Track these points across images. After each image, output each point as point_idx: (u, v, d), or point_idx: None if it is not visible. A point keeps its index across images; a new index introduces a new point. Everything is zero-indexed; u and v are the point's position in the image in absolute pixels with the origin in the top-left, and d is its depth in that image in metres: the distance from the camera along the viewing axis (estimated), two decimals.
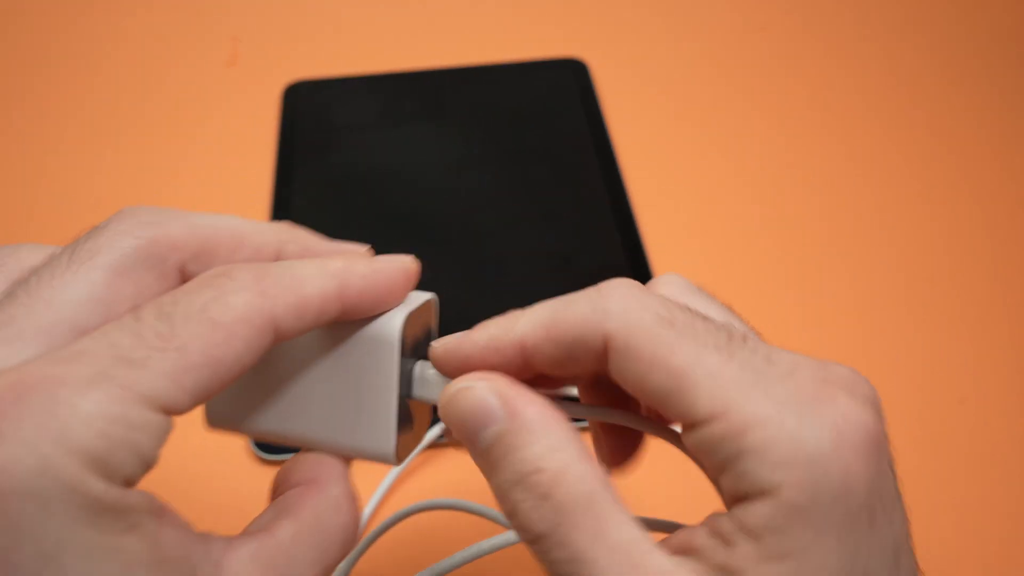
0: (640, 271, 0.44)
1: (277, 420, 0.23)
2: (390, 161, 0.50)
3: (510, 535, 0.25)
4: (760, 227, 0.47)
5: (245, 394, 0.23)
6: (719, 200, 0.49)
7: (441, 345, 0.23)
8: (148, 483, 0.39)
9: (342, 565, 0.33)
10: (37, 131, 0.54)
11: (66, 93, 0.56)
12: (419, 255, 0.46)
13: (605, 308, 0.20)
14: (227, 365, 0.18)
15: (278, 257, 0.22)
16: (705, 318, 0.20)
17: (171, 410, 0.18)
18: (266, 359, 0.21)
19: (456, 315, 0.43)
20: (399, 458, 0.23)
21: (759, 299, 0.44)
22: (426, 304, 0.25)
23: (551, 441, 0.20)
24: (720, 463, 0.19)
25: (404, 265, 0.22)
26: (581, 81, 0.55)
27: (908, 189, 0.49)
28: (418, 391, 0.23)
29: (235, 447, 0.39)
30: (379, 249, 0.49)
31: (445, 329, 0.44)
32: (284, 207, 0.48)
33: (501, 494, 0.20)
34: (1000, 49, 0.57)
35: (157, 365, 0.18)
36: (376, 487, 0.37)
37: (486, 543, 0.25)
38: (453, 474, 0.38)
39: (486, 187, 0.49)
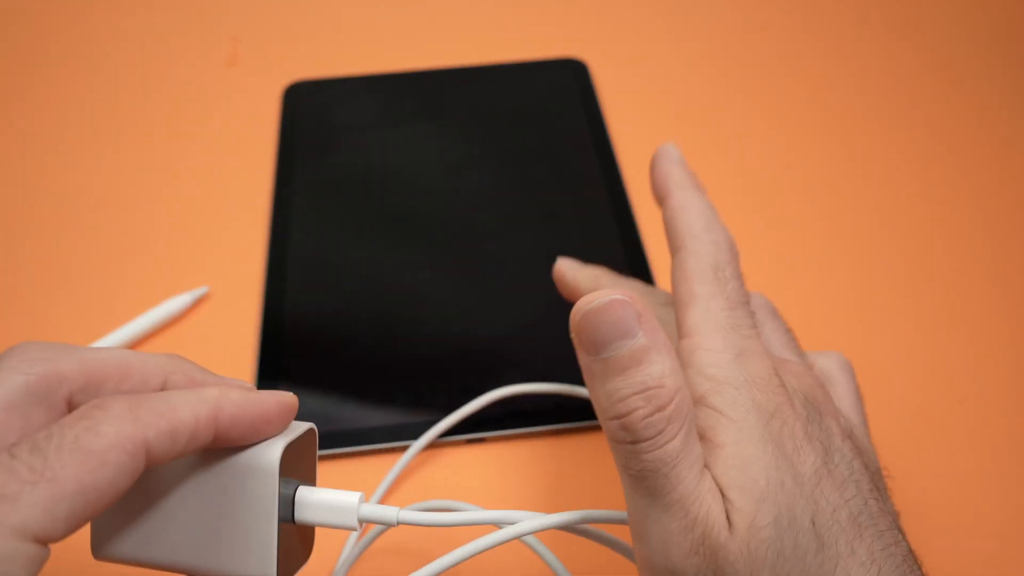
0: (640, 271, 0.44)
1: (161, 549, 0.24)
2: (390, 161, 0.51)
3: (504, 533, 0.25)
4: (760, 227, 0.47)
5: (129, 525, 0.24)
6: (719, 200, 0.49)
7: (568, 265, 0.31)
8: None
9: (340, 565, 0.33)
10: (37, 131, 0.54)
11: (66, 93, 0.56)
12: (419, 255, 0.46)
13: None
14: (100, 490, 0.20)
15: (164, 387, 0.24)
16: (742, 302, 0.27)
17: (45, 539, 0.19)
18: (147, 488, 0.22)
19: (456, 315, 0.43)
20: None
21: None
22: (307, 433, 0.25)
23: (672, 364, 0.24)
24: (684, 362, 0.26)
25: (280, 397, 0.24)
26: (581, 81, 0.55)
27: (908, 189, 0.49)
28: (300, 515, 0.25)
29: None
30: (380, 250, 0.49)
31: (446, 328, 0.44)
32: (284, 207, 0.48)
33: (617, 398, 0.23)
34: (1000, 49, 0.57)
35: (29, 498, 0.19)
36: (378, 484, 0.37)
37: (481, 541, 0.26)
38: (452, 472, 0.38)
39: (486, 187, 0.49)
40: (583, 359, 0.24)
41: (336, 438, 0.38)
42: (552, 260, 0.43)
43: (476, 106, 0.54)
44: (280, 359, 0.41)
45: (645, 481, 0.23)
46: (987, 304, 0.44)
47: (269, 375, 0.41)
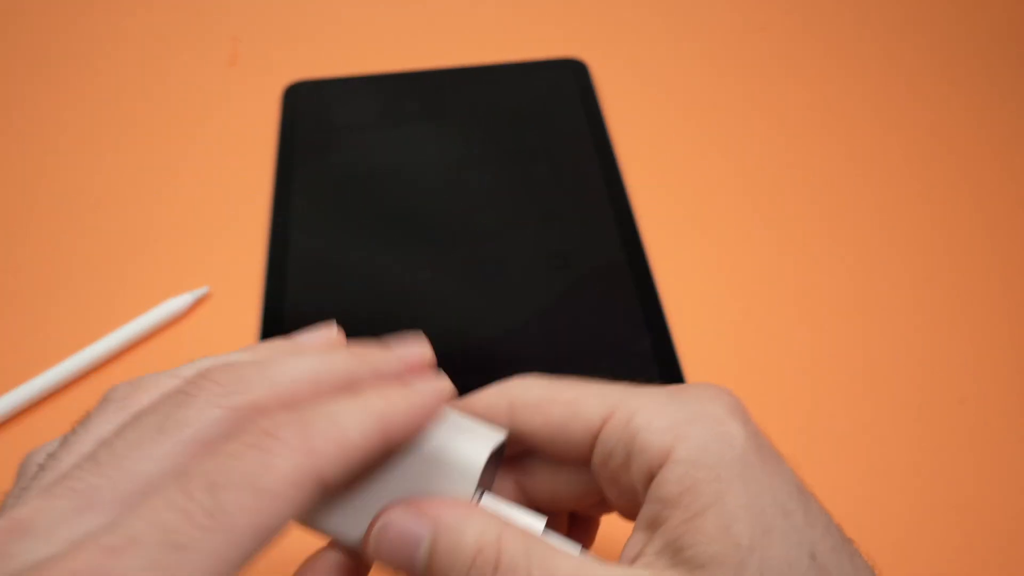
0: (639, 270, 0.44)
1: (340, 522, 0.23)
2: (390, 161, 0.51)
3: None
4: (760, 227, 0.47)
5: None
6: (719, 200, 0.49)
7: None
8: None
9: None
10: (37, 131, 0.54)
11: (66, 93, 0.56)
12: (419, 255, 0.46)
13: (507, 387, 0.25)
14: (272, 530, 0.20)
15: (353, 386, 0.23)
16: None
17: None
18: None
19: (456, 315, 0.43)
20: None
21: (758, 299, 0.44)
22: (502, 444, 0.25)
23: (477, 526, 0.22)
24: (624, 457, 0.23)
25: (440, 391, 0.23)
26: (581, 81, 0.55)
27: (908, 189, 0.49)
28: None
29: None
30: (380, 250, 0.49)
31: (446, 328, 0.44)
32: (284, 207, 0.48)
33: None
34: (1000, 49, 0.57)
35: (204, 547, 0.18)
36: None
37: None
38: None
39: (486, 187, 0.49)
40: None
41: None
42: (552, 260, 0.44)
43: (476, 106, 0.54)
44: None
45: None
46: (987, 304, 0.44)
47: None
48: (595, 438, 0.23)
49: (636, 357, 0.41)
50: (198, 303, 0.44)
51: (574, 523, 0.28)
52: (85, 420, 0.22)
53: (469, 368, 0.41)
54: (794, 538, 0.21)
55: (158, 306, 0.43)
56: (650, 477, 0.22)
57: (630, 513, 0.24)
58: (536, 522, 0.23)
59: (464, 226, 0.47)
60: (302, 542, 0.26)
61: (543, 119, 0.53)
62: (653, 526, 0.22)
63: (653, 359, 0.41)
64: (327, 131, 0.53)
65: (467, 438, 0.24)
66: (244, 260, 0.46)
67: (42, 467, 0.21)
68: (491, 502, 0.24)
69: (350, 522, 0.23)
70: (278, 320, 0.43)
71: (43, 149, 0.53)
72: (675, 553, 0.21)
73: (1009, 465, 0.38)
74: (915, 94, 0.55)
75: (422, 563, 0.22)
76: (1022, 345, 0.42)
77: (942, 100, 0.54)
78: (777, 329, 0.43)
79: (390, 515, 0.22)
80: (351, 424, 0.21)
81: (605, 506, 0.26)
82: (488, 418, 0.25)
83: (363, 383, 0.23)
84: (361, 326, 0.43)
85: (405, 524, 0.22)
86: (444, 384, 0.24)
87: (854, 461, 0.38)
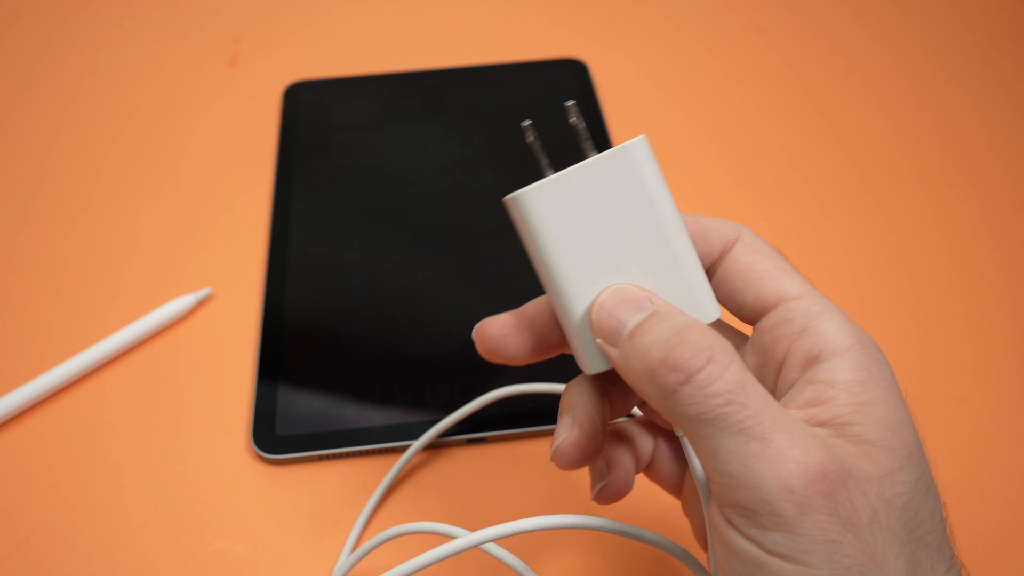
0: None
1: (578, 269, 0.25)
2: (390, 161, 0.51)
3: (465, 540, 0.26)
4: (760, 226, 0.47)
5: None
6: (719, 200, 0.49)
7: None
8: (149, 480, 0.39)
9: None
10: (37, 131, 0.54)
11: (66, 93, 0.56)
12: (419, 255, 0.46)
13: (737, 225, 0.27)
14: None
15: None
16: None
17: None
18: None
19: (456, 315, 0.43)
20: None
21: None
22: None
23: (694, 319, 0.23)
24: (801, 327, 0.24)
25: None
26: (581, 81, 0.55)
27: (909, 188, 0.49)
28: None
29: (235, 447, 0.39)
30: (380, 250, 0.49)
31: (446, 328, 0.44)
32: (284, 207, 0.48)
33: (653, 348, 0.22)
34: (1000, 49, 0.57)
35: None
36: (377, 484, 0.37)
37: (440, 549, 0.26)
38: (452, 472, 0.38)
39: (486, 187, 0.49)
40: (613, 353, 0.24)
41: (336, 438, 0.38)
42: None
43: (476, 106, 0.54)
44: (280, 359, 0.41)
45: (727, 418, 0.21)
46: (987, 304, 0.44)
47: (269, 375, 0.41)
48: (781, 302, 0.25)
49: None
50: (200, 304, 0.44)
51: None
52: None
53: (469, 368, 0.41)
54: (932, 476, 0.23)
55: (161, 307, 0.43)
56: (814, 359, 0.24)
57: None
58: None
59: (464, 226, 0.47)
60: None
61: (543, 119, 0.53)
62: (812, 403, 0.23)
63: None
64: (327, 131, 0.53)
65: (702, 288, 0.25)
66: (244, 260, 0.46)
67: None
68: None
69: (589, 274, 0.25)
70: (278, 320, 0.43)
71: (43, 149, 0.53)
72: (840, 427, 0.22)
73: (1009, 465, 0.38)
74: (915, 93, 0.55)
75: (638, 320, 0.23)
76: (1022, 345, 0.42)
77: (942, 99, 0.54)
78: None
79: (619, 285, 0.25)
80: None
81: None
82: (705, 246, 0.27)
83: None
84: (361, 326, 0.43)
85: (638, 295, 0.24)
86: None
87: None
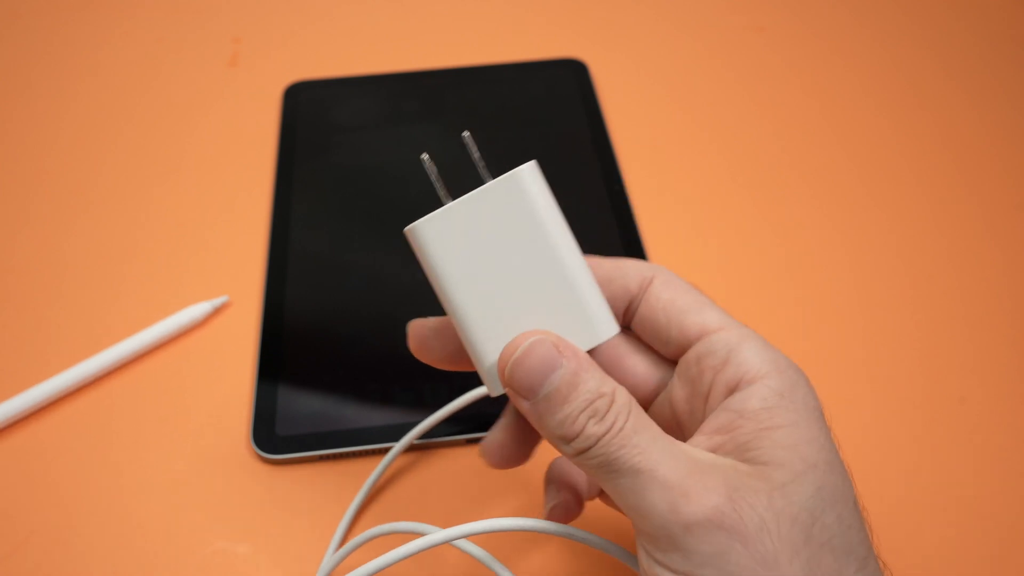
0: None
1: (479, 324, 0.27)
2: (390, 161, 0.51)
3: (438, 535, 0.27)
4: (759, 226, 0.47)
5: None
6: (718, 200, 0.49)
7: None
8: (149, 480, 0.39)
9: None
10: (37, 131, 0.54)
11: (66, 93, 0.56)
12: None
13: (653, 264, 0.28)
14: None
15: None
16: None
17: None
18: None
19: None
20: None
21: (758, 298, 0.44)
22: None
23: (599, 372, 0.25)
24: (723, 358, 0.26)
25: None
26: (581, 81, 0.55)
27: (909, 188, 0.49)
28: None
29: (235, 447, 0.39)
30: (380, 250, 0.49)
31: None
32: (284, 207, 0.48)
33: (570, 423, 0.24)
34: (1000, 49, 0.57)
35: None
36: (358, 491, 0.37)
37: (408, 546, 0.27)
38: (452, 472, 0.38)
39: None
40: (524, 406, 0.25)
41: (336, 438, 0.38)
42: None
43: (476, 106, 0.54)
44: (280, 359, 0.41)
45: (620, 461, 0.24)
46: (987, 304, 0.44)
47: (269, 375, 0.41)
48: (704, 335, 0.27)
49: None
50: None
51: None
52: None
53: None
54: (846, 484, 0.24)
55: (177, 313, 0.43)
56: (734, 387, 0.25)
57: (677, 423, 0.28)
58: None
59: None
60: None
61: (543, 119, 0.53)
62: (722, 431, 0.25)
63: None
64: (327, 131, 0.53)
65: (599, 306, 0.26)
66: (244, 260, 0.46)
67: None
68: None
69: (491, 329, 0.26)
70: (278, 320, 0.43)
71: (43, 149, 0.53)
72: (741, 452, 0.24)
73: (1009, 465, 0.38)
74: (915, 94, 0.55)
75: (550, 387, 0.24)
76: (1022, 345, 0.42)
77: (942, 99, 0.54)
78: (777, 328, 0.43)
79: (535, 336, 0.25)
80: None
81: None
82: (623, 284, 0.28)
83: None
84: (361, 326, 0.43)
85: (551, 350, 0.25)
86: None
87: (854, 460, 0.37)
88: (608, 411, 0.24)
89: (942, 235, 0.47)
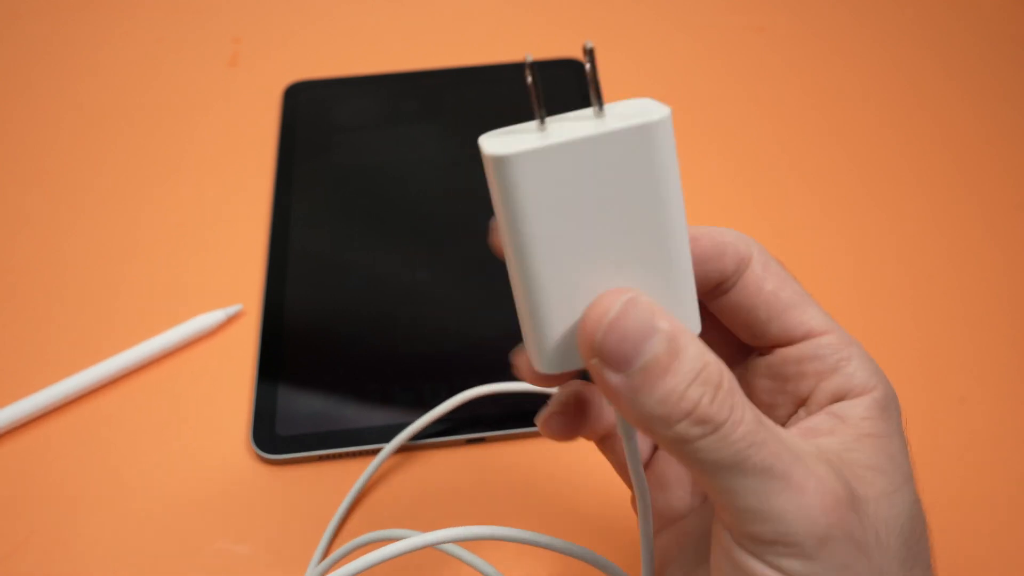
0: None
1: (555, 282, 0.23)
2: (390, 161, 0.51)
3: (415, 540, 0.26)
4: (761, 226, 0.47)
5: None
6: (718, 199, 0.49)
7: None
8: (149, 480, 0.39)
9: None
10: (37, 131, 0.54)
11: (66, 93, 0.56)
12: (419, 255, 0.46)
13: (752, 239, 0.26)
14: None
15: None
16: None
17: None
18: None
19: (456, 315, 0.43)
20: None
21: None
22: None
23: (698, 339, 0.21)
24: (831, 366, 0.25)
25: None
26: (581, 81, 0.55)
27: (909, 188, 0.49)
28: None
29: (235, 447, 0.39)
30: (380, 250, 0.49)
31: (446, 328, 0.44)
32: (284, 207, 0.48)
33: (676, 398, 0.20)
34: (1000, 49, 0.57)
35: None
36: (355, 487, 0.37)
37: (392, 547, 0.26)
38: (452, 472, 0.38)
39: (486, 187, 0.49)
40: (614, 381, 0.21)
41: (337, 438, 0.38)
42: None
43: (476, 106, 0.54)
44: (280, 359, 0.41)
45: (749, 460, 0.21)
46: (987, 304, 0.44)
47: (269, 375, 0.41)
48: (809, 337, 0.25)
49: None
50: (198, 302, 0.44)
51: None
52: None
53: (469, 368, 0.41)
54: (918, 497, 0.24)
55: (190, 320, 0.43)
56: (840, 398, 0.25)
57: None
58: None
59: (464, 226, 0.47)
60: None
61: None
62: (818, 433, 0.24)
63: None
64: (327, 131, 0.53)
65: (690, 299, 0.23)
66: (244, 260, 0.46)
67: None
68: None
69: (565, 294, 0.21)
70: (278, 320, 0.43)
71: (42, 149, 0.53)
72: (840, 454, 0.23)
73: (1009, 465, 0.38)
74: (916, 93, 0.55)
75: (650, 353, 0.20)
76: (1022, 345, 0.42)
77: (943, 99, 0.54)
78: None
79: (628, 294, 0.21)
80: None
81: None
82: (719, 266, 0.25)
83: None
84: (361, 326, 0.43)
85: (646, 313, 0.21)
86: None
87: None
88: (720, 385, 0.21)
89: (942, 235, 0.47)
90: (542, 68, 0.56)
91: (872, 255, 0.46)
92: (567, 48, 0.58)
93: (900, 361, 0.41)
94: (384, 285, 0.44)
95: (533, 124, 0.22)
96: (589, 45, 0.21)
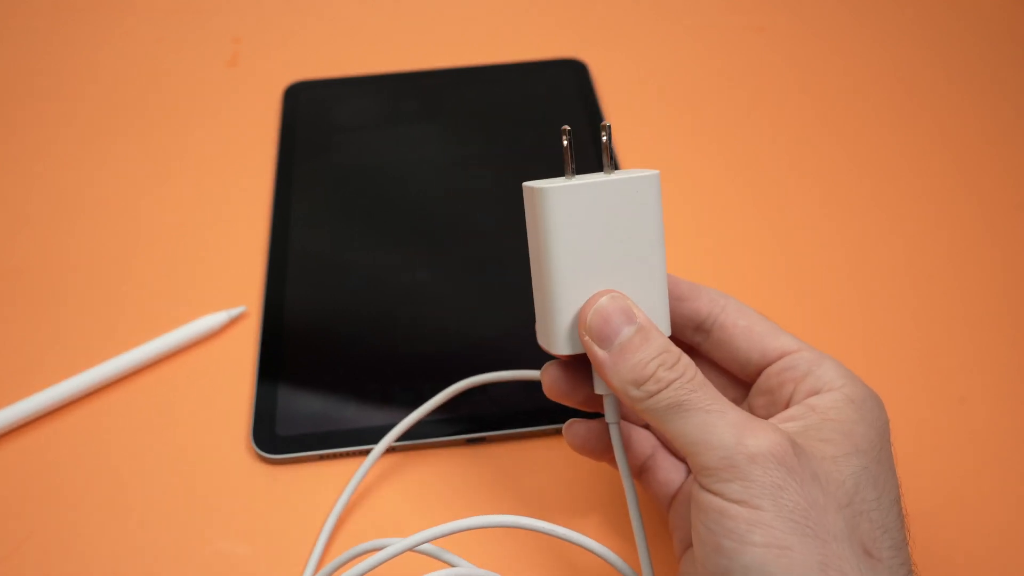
0: None
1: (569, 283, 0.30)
2: (390, 161, 0.51)
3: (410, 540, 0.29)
4: (761, 227, 0.47)
5: None
6: (718, 200, 0.49)
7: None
8: (149, 480, 0.39)
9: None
10: (37, 131, 0.54)
11: (66, 93, 0.56)
12: (419, 255, 0.46)
13: (725, 294, 0.33)
14: None
15: None
16: None
17: None
18: None
19: (456, 315, 0.43)
20: None
21: (759, 298, 0.44)
22: None
23: (665, 337, 0.28)
24: (804, 371, 0.30)
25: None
26: (581, 81, 0.55)
27: (908, 188, 0.49)
28: None
29: (235, 447, 0.39)
30: (380, 250, 0.49)
31: (446, 328, 0.44)
32: (284, 207, 0.48)
33: (641, 367, 0.27)
34: (1000, 49, 0.57)
35: None
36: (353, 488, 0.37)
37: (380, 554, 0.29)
38: (452, 472, 0.38)
39: (486, 187, 0.49)
40: (599, 355, 0.28)
41: (337, 438, 0.38)
42: None
43: (476, 106, 0.54)
44: (280, 359, 0.41)
45: (692, 400, 0.26)
46: (987, 304, 0.44)
47: (269, 375, 0.41)
48: (785, 355, 0.31)
49: None
50: (198, 301, 0.44)
51: None
52: None
53: (469, 368, 0.40)
54: (891, 482, 0.28)
55: (193, 322, 0.42)
56: (814, 393, 0.29)
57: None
58: None
59: (464, 226, 0.47)
60: None
61: (543, 119, 0.53)
62: (791, 420, 0.29)
63: None
64: (327, 131, 0.53)
65: (664, 309, 0.30)
66: (244, 260, 0.46)
67: None
68: None
69: (577, 292, 0.29)
70: (278, 320, 0.43)
71: (43, 149, 0.53)
72: (803, 432, 0.28)
73: (1009, 465, 0.38)
74: (915, 94, 0.55)
75: (624, 337, 0.28)
76: (1022, 345, 0.42)
77: (943, 99, 0.54)
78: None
79: (610, 293, 0.29)
80: None
81: None
82: (694, 306, 0.32)
83: None
84: (361, 326, 0.43)
85: (628, 307, 0.28)
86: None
87: None
88: (676, 363, 0.27)
89: (942, 235, 0.47)
90: (542, 68, 0.56)
91: (872, 255, 0.46)
92: (567, 48, 0.58)
93: (900, 361, 0.41)
94: (384, 285, 0.44)
95: (563, 177, 0.30)
96: (607, 124, 0.31)
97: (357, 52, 0.58)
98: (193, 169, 0.51)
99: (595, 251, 0.29)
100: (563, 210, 0.28)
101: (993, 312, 0.43)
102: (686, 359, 0.28)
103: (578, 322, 0.29)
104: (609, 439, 0.31)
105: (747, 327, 0.31)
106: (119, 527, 0.37)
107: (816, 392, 0.29)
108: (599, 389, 0.30)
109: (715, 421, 0.26)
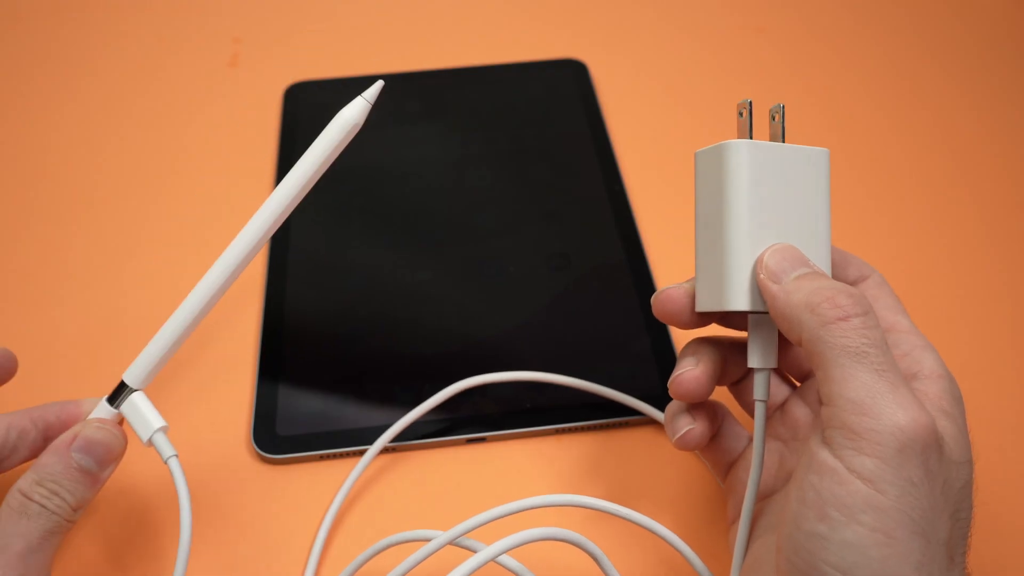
0: (639, 271, 0.44)
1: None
2: (390, 161, 0.51)
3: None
4: None
5: None
6: None
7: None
8: (152, 482, 0.39)
9: None
10: (38, 131, 0.54)
11: (67, 93, 0.57)
12: (419, 255, 0.46)
13: (872, 267, 0.33)
14: None
15: None
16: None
17: None
18: None
19: (456, 315, 0.43)
20: None
21: None
22: None
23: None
24: (905, 352, 0.30)
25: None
26: (581, 81, 0.55)
27: (909, 188, 0.49)
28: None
29: (235, 446, 0.39)
30: (380, 250, 0.49)
31: (446, 328, 0.44)
32: None
33: (816, 294, 0.27)
34: (1000, 49, 0.57)
35: None
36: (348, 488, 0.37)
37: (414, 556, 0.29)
38: (452, 472, 0.38)
39: (486, 187, 0.49)
40: (773, 289, 0.28)
41: (337, 438, 0.38)
42: (552, 260, 0.43)
43: (476, 106, 0.54)
44: (280, 359, 0.41)
45: (870, 358, 0.26)
46: (987, 304, 0.44)
47: (269, 375, 0.41)
48: (893, 331, 0.31)
49: (636, 356, 0.41)
50: None
51: None
52: None
53: (469, 368, 0.41)
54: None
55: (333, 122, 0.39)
56: (912, 377, 0.29)
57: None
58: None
59: (464, 226, 0.47)
60: None
61: (543, 119, 0.53)
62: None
63: (653, 359, 0.41)
64: None
65: (827, 267, 0.31)
66: None
67: None
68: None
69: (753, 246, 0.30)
70: (278, 320, 0.43)
71: (43, 149, 0.53)
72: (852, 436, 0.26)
73: (1009, 465, 0.38)
74: (915, 94, 0.55)
75: (801, 271, 0.28)
76: (1022, 345, 0.42)
77: (943, 99, 0.54)
78: None
79: (790, 245, 0.29)
80: None
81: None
82: (842, 274, 0.33)
83: None
84: (361, 326, 0.43)
85: (803, 256, 0.29)
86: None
87: None
88: (861, 297, 0.27)
89: (942, 235, 0.47)
90: (542, 68, 0.56)
91: (871, 255, 0.46)
92: (567, 48, 0.58)
93: None
94: (384, 285, 0.44)
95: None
96: (780, 104, 0.34)
97: (357, 52, 0.58)
98: (193, 169, 0.51)
99: (771, 210, 0.30)
100: (747, 163, 0.29)
101: (993, 312, 0.43)
102: (867, 301, 0.27)
103: (757, 260, 0.29)
104: (711, 433, 0.32)
105: (875, 298, 0.32)
106: (119, 527, 0.37)
107: (914, 376, 0.29)
108: (753, 363, 0.30)
109: (883, 391, 0.25)
